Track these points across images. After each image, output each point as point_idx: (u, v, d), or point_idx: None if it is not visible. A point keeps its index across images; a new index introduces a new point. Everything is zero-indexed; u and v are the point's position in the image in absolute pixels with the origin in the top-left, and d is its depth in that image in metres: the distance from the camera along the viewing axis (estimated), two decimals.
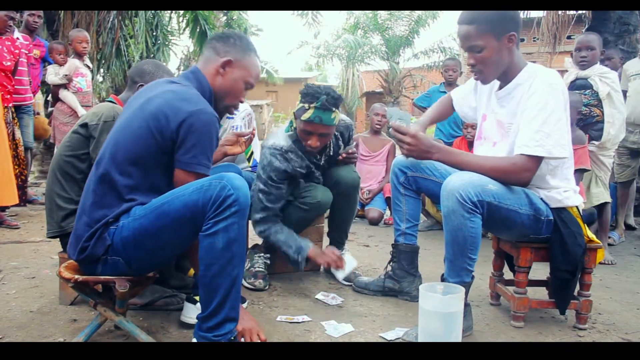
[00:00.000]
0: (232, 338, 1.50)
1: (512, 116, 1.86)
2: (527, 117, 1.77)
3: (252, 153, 4.66)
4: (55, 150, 2.37)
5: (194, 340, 1.50)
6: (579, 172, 3.13)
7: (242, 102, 1.80)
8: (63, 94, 4.46)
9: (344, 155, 2.39)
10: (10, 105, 3.89)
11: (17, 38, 4.23)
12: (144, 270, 1.56)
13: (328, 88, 2.18)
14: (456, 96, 2.24)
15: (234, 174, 1.45)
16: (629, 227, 4.18)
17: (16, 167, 3.91)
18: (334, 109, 2.14)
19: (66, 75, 4.45)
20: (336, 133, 2.41)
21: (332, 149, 2.43)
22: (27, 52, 4.33)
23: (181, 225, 1.44)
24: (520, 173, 1.77)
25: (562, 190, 1.88)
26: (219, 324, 1.46)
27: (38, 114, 4.77)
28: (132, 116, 1.59)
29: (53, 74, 4.45)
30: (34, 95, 4.50)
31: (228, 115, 2.08)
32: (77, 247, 1.52)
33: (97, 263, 1.52)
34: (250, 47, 1.75)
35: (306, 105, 2.14)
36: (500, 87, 1.92)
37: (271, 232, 2.28)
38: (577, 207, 1.91)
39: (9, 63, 3.81)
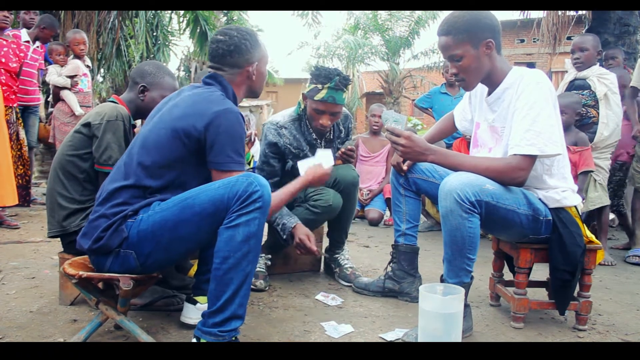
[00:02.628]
0: (234, 338, 1.50)
1: (504, 119, 1.88)
2: (517, 117, 1.79)
3: (252, 156, 4.68)
4: (57, 150, 2.37)
5: (194, 338, 1.50)
6: (584, 174, 3.12)
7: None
8: (65, 93, 4.45)
9: (342, 150, 2.40)
10: (15, 105, 3.90)
11: (32, 43, 4.25)
12: (152, 267, 1.57)
13: (337, 69, 2.28)
14: (456, 112, 2.27)
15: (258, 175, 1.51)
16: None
17: (21, 167, 3.92)
18: (345, 89, 2.26)
19: (73, 77, 4.44)
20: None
21: (332, 133, 2.46)
22: (38, 57, 4.34)
23: (203, 220, 1.47)
24: (515, 172, 1.77)
25: (561, 190, 1.88)
26: (226, 320, 1.46)
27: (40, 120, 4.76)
28: (158, 121, 1.63)
29: (55, 74, 4.43)
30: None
31: None
32: (92, 236, 1.53)
33: (108, 255, 1.53)
34: (256, 38, 1.78)
35: (319, 86, 2.23)
36: (489, 93, 1.94)
37: None
38: (575, 207, 1.92)
39: (15, 65, 3.83)
